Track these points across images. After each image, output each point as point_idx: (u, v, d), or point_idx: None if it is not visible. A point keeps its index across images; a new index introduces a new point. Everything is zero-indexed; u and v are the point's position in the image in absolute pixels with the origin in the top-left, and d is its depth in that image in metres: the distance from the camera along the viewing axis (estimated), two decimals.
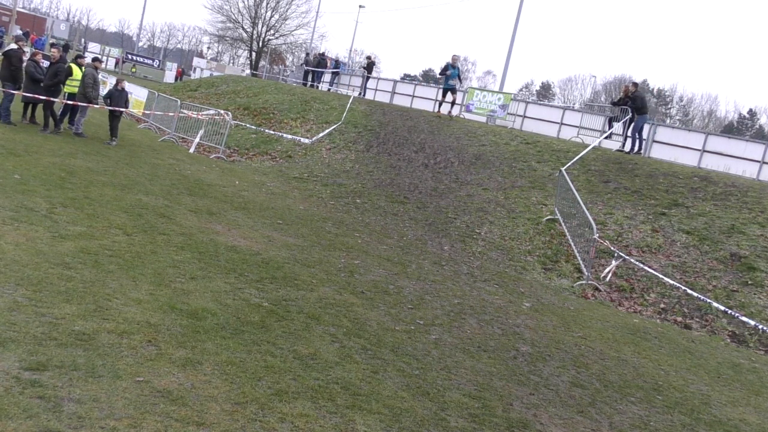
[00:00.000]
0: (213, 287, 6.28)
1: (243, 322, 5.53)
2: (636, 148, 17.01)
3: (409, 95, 29.40)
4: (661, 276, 10.23)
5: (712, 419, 5.82)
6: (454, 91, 20.71)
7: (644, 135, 18.21)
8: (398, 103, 27.95)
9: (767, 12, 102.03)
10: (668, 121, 75.22)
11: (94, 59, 15.62)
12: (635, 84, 17.97)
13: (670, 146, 19.71)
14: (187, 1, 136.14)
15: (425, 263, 9.79)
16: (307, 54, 39.78)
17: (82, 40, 67.33)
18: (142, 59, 61.72)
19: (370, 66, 30.58)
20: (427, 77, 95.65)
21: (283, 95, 24.23)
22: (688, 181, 13.86)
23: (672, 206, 12.72)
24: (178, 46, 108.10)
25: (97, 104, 14.79)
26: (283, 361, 4.92)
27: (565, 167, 13.96)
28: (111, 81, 24.67)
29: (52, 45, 18.80)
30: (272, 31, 63.06)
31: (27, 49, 16.27)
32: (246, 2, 61.18)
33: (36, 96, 13.58)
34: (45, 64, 14.37)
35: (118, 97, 14.80)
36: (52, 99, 13.74)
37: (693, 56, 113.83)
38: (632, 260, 10.74)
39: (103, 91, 19.22)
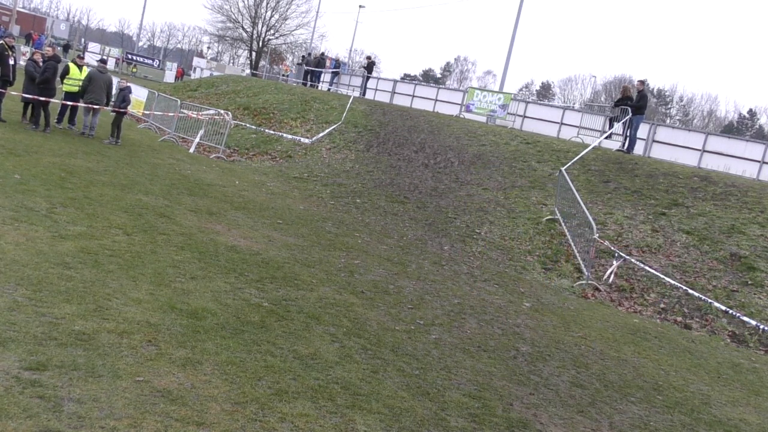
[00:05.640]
0: (213, 287, 6.28)
1: (243, 322, 5.53)
2: (632, 147, 17.03)
3: (409, 95, 29.42)
4: (661, 276, 10.23)
5: (712, 419, 5.82)
6: None
7: (641, 134, 18.24)
8: (398, 103, 27.96)
9: (767, 12, 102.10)
10: (668, 121, 75.20)
11: (102, 61, 15.95)
12: (642, 82, 17.70)
13: (670, 146, 19.71)
14: (187, 1, 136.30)
15: (425, 263, 9.78)
16: (309, 54, 39.73)
17: (82, 40, 67.38)
18: (142, 59, 61.70)
19: (370, 66, 30.59)
20: (427, 77, 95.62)
21: (283, 95, 24.23)
22: (688, 181, 13.85)
23: (672, 206, 12.72)
24: (178, 46, 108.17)
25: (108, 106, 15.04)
26: (283, 361, 4.92)
27: (565, 167, 13.96)
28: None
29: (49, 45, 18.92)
30: (272, 31, 63.06)
31: (16, 45, 16.15)
32: (246, 2, 61.18)
33: (36, 96, 13.56)
34: None
35: (117, 95, 14.99)
36: (51, 99, 13.73)
37: (693, 56, 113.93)
38: (632, 260, 10.73)
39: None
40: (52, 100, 13.82)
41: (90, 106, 14.34)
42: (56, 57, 14.61)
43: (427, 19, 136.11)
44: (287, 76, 39.75)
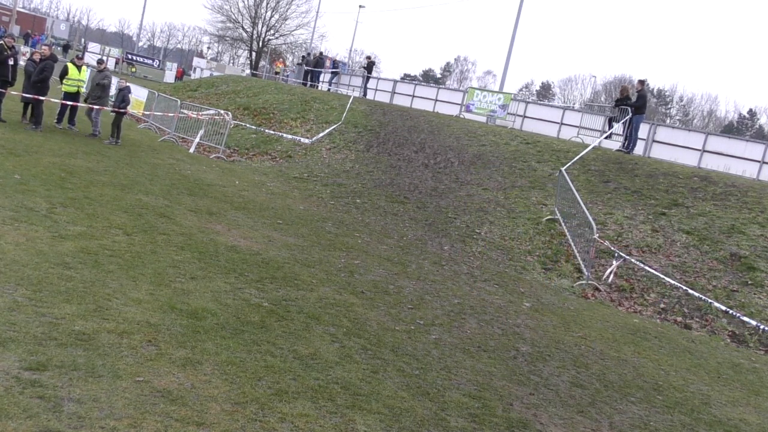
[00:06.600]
0: (213, 287, 6.27)
1: (243, 322, 5.53)
2: (632, 147, 17.04)
3: (409, 95, 29.41)
4: (661, 276, 10.23)
5: (712, 419, 5.82)
6: None
7: (641, 134, 18.23)
8: (398, 103, 27.96)
9: (767, 12, 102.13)
10: (668, 121, 75.20)
11: (100, 61, 15.96)
12: (641, 82, 17.62)
13: (670, 146, 19.70)
14: (187, 1, 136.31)
15: (425, 263, 9.78)
16: (309, 54, 39.74)
17: (82, 40, 67.40)
18: (142, 59, 61.71)
19: (370, 66, 30.58)
20: (427, 77, 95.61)
21: (283, 95, 24.23)
22: (688, 181, 13.86)
23: (672, 206, 12.72)
24: (178, 46, 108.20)
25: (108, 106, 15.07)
26: (283, 361, 4.92)
27: (565, 167, 13.96)
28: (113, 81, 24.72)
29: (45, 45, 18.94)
30: (272, 31, 63.04)
31: (16, 45, 16.18)
32: (246, 2, 61.14)
33: (36, 96, 13.57)
34: None
35: (116, 95, 15.04)
36: (51, 99, 13.76)
37: (693, 56, 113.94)
38: (632, 260, 10.73)
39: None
40: (55, 100, 13.86)
41: (101, 108, 14.53)
42: (53, 56, 14.62)
43: (427, 19, 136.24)
44: (287, 76, 39.78)
